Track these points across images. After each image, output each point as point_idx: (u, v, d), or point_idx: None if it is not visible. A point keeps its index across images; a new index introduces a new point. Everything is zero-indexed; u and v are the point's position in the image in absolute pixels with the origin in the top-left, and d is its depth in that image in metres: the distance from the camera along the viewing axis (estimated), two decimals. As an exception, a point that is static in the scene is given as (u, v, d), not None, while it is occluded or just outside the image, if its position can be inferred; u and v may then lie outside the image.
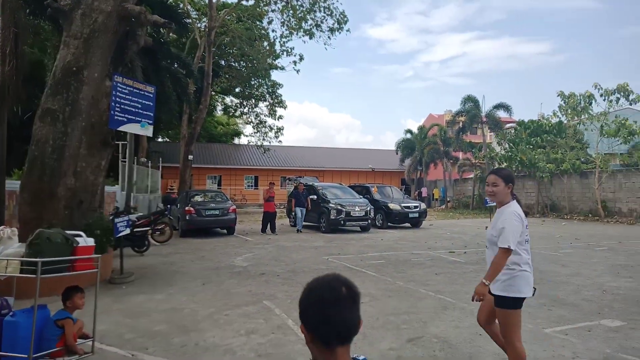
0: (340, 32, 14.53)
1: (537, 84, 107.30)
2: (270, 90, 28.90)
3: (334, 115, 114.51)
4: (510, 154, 25.76)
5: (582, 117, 23.18)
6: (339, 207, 15.40)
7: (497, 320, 3.42)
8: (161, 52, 11.64)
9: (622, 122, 21.47)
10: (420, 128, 35.36)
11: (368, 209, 15.92)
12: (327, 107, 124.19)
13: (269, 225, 15.15)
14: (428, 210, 29.79)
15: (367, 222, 15.85)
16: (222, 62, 29.04)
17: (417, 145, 33.99)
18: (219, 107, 39.70)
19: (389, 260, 9.52)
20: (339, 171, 38.06)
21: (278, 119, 30.11)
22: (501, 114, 28.15)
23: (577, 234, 15.15)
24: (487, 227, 15.18)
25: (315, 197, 16.12)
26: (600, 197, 21.60)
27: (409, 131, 36.19)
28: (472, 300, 3.25)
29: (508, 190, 3.32)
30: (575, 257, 9.88)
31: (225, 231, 15.06)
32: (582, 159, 23.80)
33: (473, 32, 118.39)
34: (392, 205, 17.26)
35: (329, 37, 17.69)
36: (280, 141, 31.93)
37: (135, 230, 9.78)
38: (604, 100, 21.85)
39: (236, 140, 45.83)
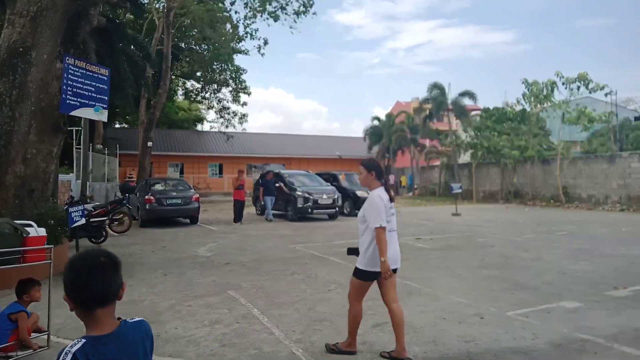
0: (306, 16, 14.24)
1: (501, 73, 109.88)
2: (233, 76, 28.29)
3: (301, 102, 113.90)
4: (475, 141, 26.29)
5: (545, 105, 23.85)
6: (306, 195, 15.29)
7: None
8: (116, 34, 11.08)
9: (582, 110, 22.28)
10: (388, 115, 35.59)
11: (336, 196, 15.88)
12: (294, 94, 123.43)
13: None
14: (396, 197, 30.09)
15: (334, 210, 15.82)
16: (183, 45, 28.15)
17: (384, 133, 34.21)
18: (180, 92, 38.59)
19: (356, 247, 9.49)
20: (306, 159, 37.93)
21: (242, 105, 29.57)
22: (467, 102, 28.66)
23: (539, 219, 15.61)
24: (453, 213, 15.33)
25: (282, 184, 15.94)
26: (562, 183, 22.35)
27: (377, 118, 36.39)
28: (384, 279, 3.77)
29: (372, 176, 3.94)
30: (537, 242, 10.14)
31: (188, 221, 14.71)
32: (545, 146, 24.56)
33: (438, 19, 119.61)
34: (359, 193, 17.26)
35: (294, 20, 17.34)
36: (244, 129, 31.48)
37: (91, 220, 9.38)
38: (566, 88, 22.55)
39: (199, 127, 44.72)
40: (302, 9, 15.17)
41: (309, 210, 15.27)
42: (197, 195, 14.76)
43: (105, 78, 7.34)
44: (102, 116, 7.49)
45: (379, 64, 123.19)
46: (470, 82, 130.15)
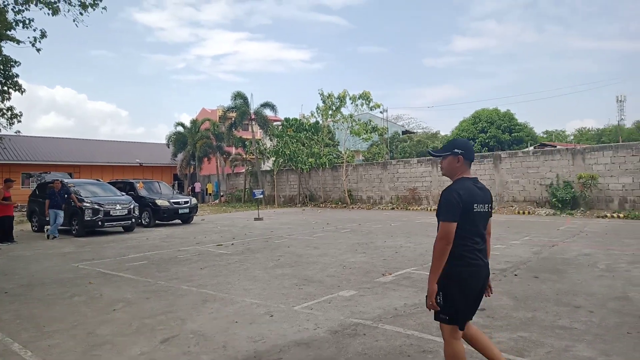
0: (94, 9, 12.72)
1: (299, 88, 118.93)
2: (0, 67, 23.53)
3: (96, 104, 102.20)
4: (277, 148, 27.80)
5: (336, 117, 26.83)
6: (96, 207, 13.74)
7: None
8: None
9: (365, 123, 25.88)
10: (193, 122, 34.73)
11: (132, 206, 14.69)
12: (87, 94, 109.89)
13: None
14: (202, 205, 29.77)
15: (130, 222, 14.61)
16: None
17: (189, 140, 33.27)
18: None
19: (152, 260, 8.96)
20: (101, 166, 34.22)
21: (5, 103, 24.74)
22: (268, 112, 29.98)
23: (329, 219, 17.32)
24: (255, 218, 15.79)
25: (72, 196, 13.86)
26: (347, 187, 25.33)
27: (181, 124, 35.13)
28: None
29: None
30: (325, 240, 11.23)
31: None
32: (335, 155, 27.48)
33: (244, 32, 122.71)
34: (160, 202, 16.39)
35: (80, 12, 15.38)
36: (18, 131, 26.51)
37: None
38: (352, 104, 25.86)
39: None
40: (89, 1, 13.44)
41: (99, 223, 13.75)
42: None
43: None
44: None
45: (184, 69, 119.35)
46: (272, 93, 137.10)
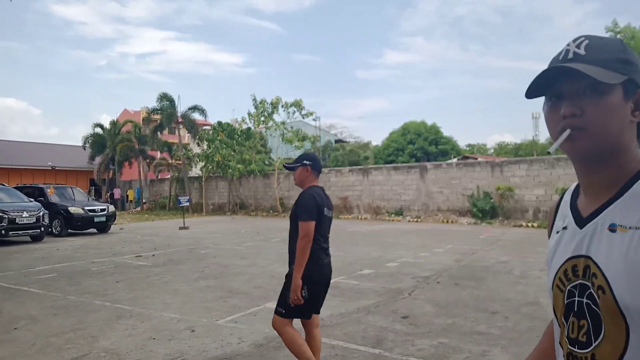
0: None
1: (230, 91, 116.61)
2: None
3: (5, 100, 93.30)
4: (207, 154, 26.96)
5: (268, 124, 26.58)
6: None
7: None
8: None
9: (297, 131, 25.83)
10: (113, 123, 32.76)
11: (41, 214, 13.45)
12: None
13: None
14: (122, 213, 28.03)
15: (39, 230, 13.35)
16: None
17: (109, 142, 31.34)
18: None
19: (62, 273, 8.21)
20: (7, 169, 31.22)
21: None
22: (197, 116, 29.04)
23: (259, 228, 17.02)
24: (180, 227, 15.12)
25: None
26: (279, 195, 25.12)
27: (99, 125, 32.95)
28: None
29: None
30: (254, 250, 10.98)
31: None
32: (266, 162, 27.20)
33: (172, 32, 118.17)
34: (73, 209, 15.17)
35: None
36: None
37: None
38: (284, 111, 25.76)
39: None
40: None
41: (3, 232, 12.44)
42: None
43: None
44: None
45: (106, 67, 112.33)
46: (202, 97, 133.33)
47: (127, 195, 34.09)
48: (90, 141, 32.33)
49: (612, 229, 0.81)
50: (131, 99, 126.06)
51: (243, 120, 27.77)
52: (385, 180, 21.53)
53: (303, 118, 27.27)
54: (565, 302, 0.89)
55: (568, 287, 0.89)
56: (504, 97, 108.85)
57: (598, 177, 0.87)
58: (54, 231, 14.91)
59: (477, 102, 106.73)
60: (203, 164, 27.81)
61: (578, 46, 0.85)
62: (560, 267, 0.91)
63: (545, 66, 0.89)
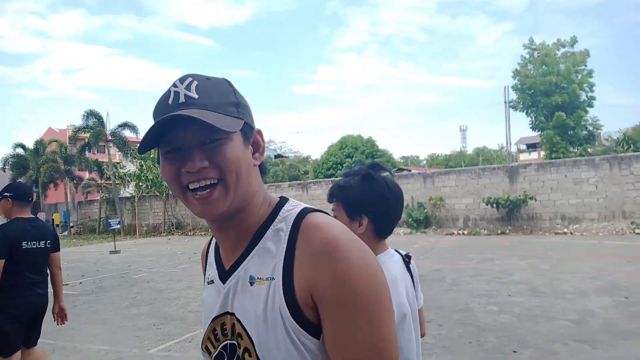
0: None
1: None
2: None
3: None
4: (139, 172, 25.82)
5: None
6: None
7: None
8: None
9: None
10: (38, 142, 30.63)
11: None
12: None
13: None
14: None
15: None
16: None
17: (32, 163, 29.19)
18: None
19: (-27, 308, 7.45)
20: None
21: None
22: (128, 133, 27.83)
23: (196, 248, 16.48)
24: (111, 251, 14.31)
25: None
26: (217, 212, 24.50)
27: (21, 146, 30.73)
28: None
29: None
30: (190, 271, 10.58)
31: None
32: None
33: (100, 46, 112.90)
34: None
35: None
36: None
37: None
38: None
39: None
40: None
41: None
42: None
43: None
44: None
45: (29, 83, 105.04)
46: (134, 113, 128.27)
47: (53, 219, 31.78)
48: (10, 163, 30.01)
49: (252, 281, 0.78)
50: (57, 117, 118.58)
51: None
52: (325, 194, 21.72)
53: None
54: None
55: (218, 349, 0.83)
56: (434, 111, 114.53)
57: (231, 233, 0.83)
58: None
59: (408, 115, 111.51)
60: (136, 182, 26.61)
61: (188, 87, 0.76)
62: (209, 325, 0.86)
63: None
